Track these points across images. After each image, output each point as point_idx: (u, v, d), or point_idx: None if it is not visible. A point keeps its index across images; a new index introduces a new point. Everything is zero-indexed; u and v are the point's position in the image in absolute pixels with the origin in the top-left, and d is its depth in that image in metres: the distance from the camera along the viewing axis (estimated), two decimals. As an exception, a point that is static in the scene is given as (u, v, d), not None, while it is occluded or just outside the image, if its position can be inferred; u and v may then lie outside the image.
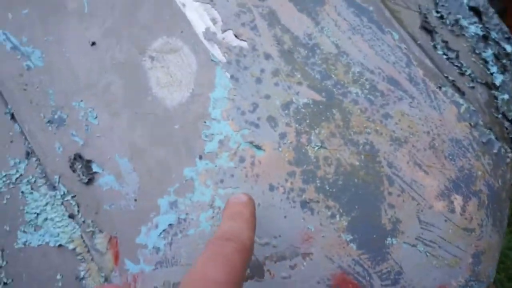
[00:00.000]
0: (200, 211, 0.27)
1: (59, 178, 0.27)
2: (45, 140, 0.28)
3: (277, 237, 0.27)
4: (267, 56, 0.30)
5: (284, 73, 0.30)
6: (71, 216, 0.27)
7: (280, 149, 0.29)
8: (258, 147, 0.28)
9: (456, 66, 0.35)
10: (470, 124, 0.33)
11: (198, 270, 0.17)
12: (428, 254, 0.29)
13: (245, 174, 0.28)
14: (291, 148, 0.29)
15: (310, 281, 0.27)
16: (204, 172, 0.28)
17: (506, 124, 0.35)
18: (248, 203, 0.23)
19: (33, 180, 0.27)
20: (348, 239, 0.28)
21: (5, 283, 0.26)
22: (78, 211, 0.27)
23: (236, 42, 0.30)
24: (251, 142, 0.28)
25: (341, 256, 0.27)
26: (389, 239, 0.28)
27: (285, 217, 0.27)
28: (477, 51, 0.36)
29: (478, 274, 0.30)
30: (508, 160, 0.34)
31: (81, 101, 0.29)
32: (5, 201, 0.28)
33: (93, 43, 0.30)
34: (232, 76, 0.30)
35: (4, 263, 0.27)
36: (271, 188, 0.28)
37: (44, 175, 0.27)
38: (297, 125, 0.29)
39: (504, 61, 0.37)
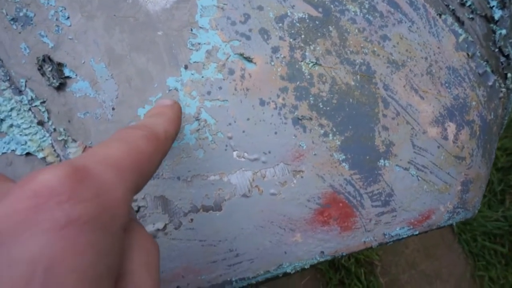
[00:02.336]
0: (185, 123, 0.25)
1: (26, 81, 0.24)
2: (9, 40, 0.25)
3: (266, 153, 0.26)
4: (261, -35, 0.27)
5: (279, -16, 0.27)
6: (41, 123, 0.24)
7: (272, 63, 0.26)
8: (249, 60, 0.26)
9: (457, -5, 0.33)
10: (468, 54, 0.32)
11: (91, 149, 0.14)
12: (419, 178, 0.28)
13: (234, 87, 0.26)
14: (284, 63, 0.27)
15: (300, 198, 0.26)
16: (189, 83, 0.25)
17: (502, 59, 0.34)
18: (173, 105, 0.21)
19: (-5, 86, 0.24)
20: (340, 159, 0.26)
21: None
22: (48, 118, 0.24)
23: None
24: (241, 54, 0.26)
25: (332, 175, 0.26)
26: (381, 161, 0.27)
27: (275, 133, 0.26)
28: (478, -18, 0.34)
29: (465, 202, 0.30)
30: (501, 94, 0.33)
31: (51, -2, 0.25)
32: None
33: None
34: (222, -16, 0.27)
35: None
36: (262, 103, 0.26)
37: (8, 78, 0.24)
38: (291, 40, 0.27)
39: (503, -4, 0.36)
